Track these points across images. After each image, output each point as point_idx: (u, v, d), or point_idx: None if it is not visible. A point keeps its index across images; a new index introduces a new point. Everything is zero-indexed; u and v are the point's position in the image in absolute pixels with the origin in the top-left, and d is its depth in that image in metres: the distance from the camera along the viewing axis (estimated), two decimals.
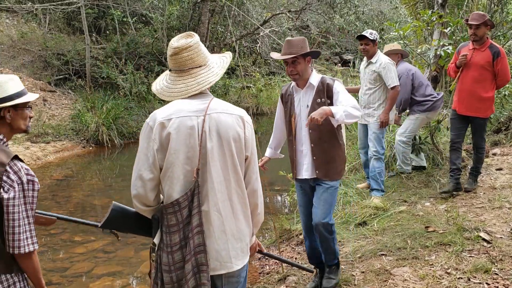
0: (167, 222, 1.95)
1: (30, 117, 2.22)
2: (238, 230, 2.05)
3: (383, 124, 5.22)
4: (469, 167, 5.07)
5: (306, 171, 3.42)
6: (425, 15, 6.02)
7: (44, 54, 12.28)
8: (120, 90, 11.99)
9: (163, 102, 12.54)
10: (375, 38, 5.18)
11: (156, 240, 2.03)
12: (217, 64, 2.12)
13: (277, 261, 4.08)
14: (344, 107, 3.10)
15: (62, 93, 11.72)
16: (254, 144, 2.13)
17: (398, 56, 5.71)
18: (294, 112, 3.42)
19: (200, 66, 2.04)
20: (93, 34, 13.42)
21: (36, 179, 2.07)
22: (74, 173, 8.57)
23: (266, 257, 4.37)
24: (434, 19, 5.97)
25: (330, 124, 3.27)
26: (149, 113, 11.08)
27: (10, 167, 2.00)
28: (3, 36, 12.41)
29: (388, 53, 5.53)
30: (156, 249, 2.02)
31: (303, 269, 3.24)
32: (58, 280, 4.41)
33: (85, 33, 12.23)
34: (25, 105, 2.16)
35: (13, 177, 1.99)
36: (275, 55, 3.42)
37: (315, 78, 3.37)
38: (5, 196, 1.95)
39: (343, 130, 3.52)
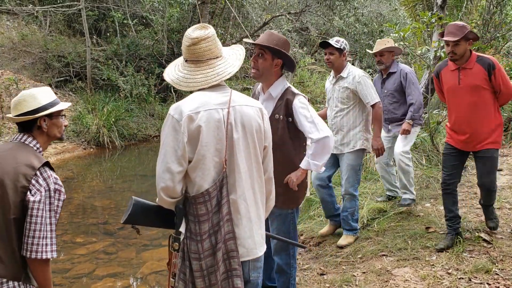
0: (196, 212, 1.97)
1: (65, 126, 2.32)
2: (259, 217, 2.12)
3: (379, 152, 4.29)
4: (480, 202, 4.14)
5: None
6: (425, 17, 6.05)
7: (45, 56, 12.30)
8: (121, 92, 12.01)
9: (164, 104, 12.58)
10: (342, 47, 4.12)
11: (182, 229, 2.04)
12: (231, 55, 2.15)
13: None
14: (309, 153, 2.87)
15: (63, 95, 11.73)
16: (271, 135, 2.21)
17: (392, 54, 4.87)
18: None
19: (217, 57, 2.07)
20: (94, 36, 13.43)
21: (63, 190, 2.12)
22: (75, 175, 8.59)
23: None
24: (434, 21, 6.00)
25: (288, 142, 2.93)
26: (150, 115, 11.05)
27: (40, 173, 2.06)
28: (4, 38, 12.43)
29: (382, 51, 4.78)
30: (181, 238, 2.03)
31: (296, 245, 3.15)
32: (60, 282, 4.42)
33: (86, 35, 12.26)
34: (59, 114, 2.26)
35: (41, 182, 2.04)
36: (248, 40, 3.11)
37: (277, 88, 2.94)
38: (32, 198, 1.99)
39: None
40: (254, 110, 2.10)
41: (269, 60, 2.86)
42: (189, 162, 1.97)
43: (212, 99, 2.00)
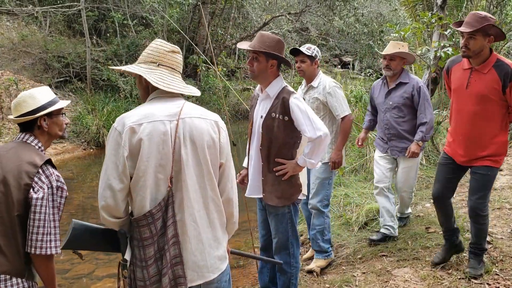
0: (139, 236, 1.83)
1: (66, 124, 2.33)
2: (215, 238, 1.97)
3: (336, 165, 3.90)
4: (468, 243, 3.58)
5: (254, 190, 3.07)
6: (425, 17, 6.05)
7: (45, 57, 12.30)
8: (121, 92, 12.01)
9: None
10: (314, 55, 3.83)
11: (127, 255, 1.90)
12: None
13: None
14: (305, 151, 2.90)
15: (63, 95, 11.72)
16: (229, 151, 2.05)
17: (404, 62, 4.19)
18: (252, 118, 3.10)
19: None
20: (94, 37, 13.43)
21: (65, 187, 2.14)
22: (74, 175, 8.59)
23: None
24: (434, 21, 6.00)
25: (283, 141, 2.94)
26: None
27: (43, 171, 2.08)
28: (4, 38, 12.43)
29: (394, 55, 4.09)
30: (128, 265, 1.91)
31: (271, 262, 3.14)
32: (60, 282, 4.41)
33: (86, 36, 12.26)
34: (59, 112, 2.28)
35: (44, 179, 2.06)
36: (242, 45, 3.00)
37: (274, 87, 2.96)
38: (34, 196, 2.01)
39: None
40: (207, 123, 1.93)
41: (264, 62, 2.88)
42: (131, 178, 1.83)
43: (160, 111, 1.85)
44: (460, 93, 3.34)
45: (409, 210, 4.65)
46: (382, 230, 4.28)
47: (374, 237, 4.31)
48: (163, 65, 1.97)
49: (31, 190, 2.02)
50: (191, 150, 1.87)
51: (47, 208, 2.03)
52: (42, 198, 2.02)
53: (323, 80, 3.89)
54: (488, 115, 3.24)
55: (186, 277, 1.87)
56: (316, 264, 3.93)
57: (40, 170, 2.07)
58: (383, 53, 4.18)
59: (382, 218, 4.30)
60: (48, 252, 2.04)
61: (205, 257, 1.92)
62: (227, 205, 2.04)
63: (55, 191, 2.08)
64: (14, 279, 2.03)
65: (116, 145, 1.81)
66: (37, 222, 2.01)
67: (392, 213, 4.26)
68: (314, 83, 3.90)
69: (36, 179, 2.05)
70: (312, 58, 3.83)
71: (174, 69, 1.99)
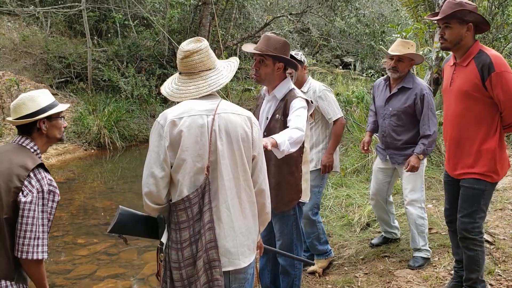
0: (177, 219, 1.97)
1: (64, 127, 2.34)
2: (246, 227, 2.07)
3: (327, 169, 3.78)
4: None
5: None
6: (426, 18, 6.03)
7: (46, 57, 12.30)
8: (122, 93, 12.00)
9: (164, 105, 12.59)
10: (302, 60, 3.72)
11: (163, 239, 2.04)
12: (225, 67, 2.18)
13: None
14: (289, 133, 2.63)
15: (64, 96, 11.72)
16: (262, 145, 2.17)
17: (412, 63, 3.83)
18: (258, 119, 3.00)
19: (209, 69, 2.10)
20: (95, 37, 13.42)
21: (57, 191, 2.14)
22: (76, 176, 8.58)
23: None
24: (435, 22, 5.98)
25: None
26: (151, 116, 11.10)
27: (34, 174, 2.08)
28: (5, 39, 12.43)
29: (402, 57, 3.73)
30: (164, 248, 2.03)
31: (304, 261, 3.16)
32: (62, 283, 4.41)
33: (87, 36, 12.26)
34: (58, 115, 2.28)
35: (34, 183, 2.06)
36: (247, 48, 2.94)
37: (282, 89, 2.91)
38: (23, 199, 2.01)
39: (309, 154, 3.04)
40: (241, 118, 2.08)
41: (271, 65, 2.85)
42: (172, 167, 1.97)
43: (198, 106, 2.02)
44: (446, 92, 3.04)
45: (426, 246, 3.80)
46: (384, 234, 4.22)
47: (375, 240, 4.25)
48: (182, 73, 2.12)
49: (20, 194, 2.01)
50: (226, 142, 2.01)
51: (36, 212, 2.02)
52: (31, 202, 2.01)
53: (313, 85, 3.82)
54: (472, 116, 2.84)
55: (220, 260, 1.97)
56: (318, 265, 3.91)
57: (31, 174, 2.06)
58: (390, 53, 3.76)
59: (381, 227, 4.23)
60: (35, 257, 2.03)
61: (236, 244, 2.03)
62: (259, 196, 2.15)
63: (46, 195, 2.07)
64: (3, 282, 2.03)
65: (158, 137, 1.97)
66: (25, 226, 2.00)
67: (389, 223, 4.14)
68: (304, 88, 3.79)
69: (26, 182, 2.04)
70: (301, 63, 3.71)
71: (193, 72, 2.08)
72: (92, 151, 10.38)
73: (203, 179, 1.96)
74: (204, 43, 2.09)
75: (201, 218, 1.95)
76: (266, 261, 3.36)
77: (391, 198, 4.14)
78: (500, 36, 7.95)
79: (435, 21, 2.94)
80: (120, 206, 2.11)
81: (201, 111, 2.00)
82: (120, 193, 7.50)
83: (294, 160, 2.93)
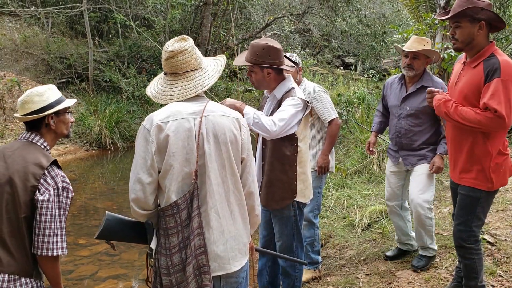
0: (165, 225, 1.94)
1: (72, 122, 2.34)
2: (236, 231, 2.04)
3: (323, 170, 3.75)
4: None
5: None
6: (428, 18, 6.03)
7: (47, 58, 12.31)
8: (123, 94, 12.02)
9: (165, 105, 12.59)
10: (298, 61, 3.63)
11: (152, 245, 2.01)
12: (212, 67, 2.13)
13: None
14: (261, 117, 2.66)
15: (65, 96, 11.68)
16: (250, 147, 2.13)
17: (428, 61, 3.66)
18: None
19: (195, 69, 2.05)
20: (96, 38, 13.44)
21: (70, 187, 2.15)
22: (77, 176, 8.59)
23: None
24: (437, 22, 5.98)
25: (281, 142, 2.87)
26: None
27: (48, 172, 2.09)
28: (6, 39, 12.45)
29: (418, 53, 3.58)
30: (153, 253, 2.01)
31: (297, 261, 3.13)
32: (63, 283, 4.40)
33: (88, 37, 12.27)
34: (65, 111, 2.29)
35: (50, 181, 2.07)
36: (237, 61, 2.97)
37: (281, 90, 2.94)
38: (40, 198, 2.02)
39: (307, 153, 3.05)
40: (229, 120, 2.03)
41: (259, 72, 2.87)
42: (159, 172, 1.94)
43: (184, 109, 1.97)
44: (451, 90, 2.92)
45: (433, 245, 3.73)
46: (399, 246, 4.01)
47: (390, 253, 4.03)
48: (167, 74, 2.07)
49: (37, 192, 2.03)
50: (214, 145, 1.97)
51: (53, 210, 2.04)
52: (48, 200, 2.03)
53: (308, 86, 3.81)
54: None
55: (209, 266, 1.94)
56: (304, 276, 3.66)
57: (46, 172, 2.07)
58: (406, 49, 3.60)
59: (397, 236, 4.00)
60: (55, 253, 2.05)
61: (226, 248, 2.00)
62: (248, 198, 2.12)
63: (61, 192, 2.08)
64: (22, 279, 2.04)
65: (144, 141, 1.94)
66: (43, 224, 2.02)
67: (406, 232, 3.92)
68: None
69: (42, 180, 2.05)
70: (296, 64, 3.57)
71: (178, 73, 2.03)
72: (93, 151, 10.39)
73: (191, 184, 1.93)
74: (188, 43, 2.03)
75: (189, 223, 1.92)
76: (266, 262, 3.36)
77: (406, 204, 3.92)
78: (501, 36, 7.95)
79: (445, 20, 2.75)
80: (106, 211, 2.09)
81: (188, 114, 1.96)
82: (121, 193, 7.50)
83: (287, 159, 2.92)
